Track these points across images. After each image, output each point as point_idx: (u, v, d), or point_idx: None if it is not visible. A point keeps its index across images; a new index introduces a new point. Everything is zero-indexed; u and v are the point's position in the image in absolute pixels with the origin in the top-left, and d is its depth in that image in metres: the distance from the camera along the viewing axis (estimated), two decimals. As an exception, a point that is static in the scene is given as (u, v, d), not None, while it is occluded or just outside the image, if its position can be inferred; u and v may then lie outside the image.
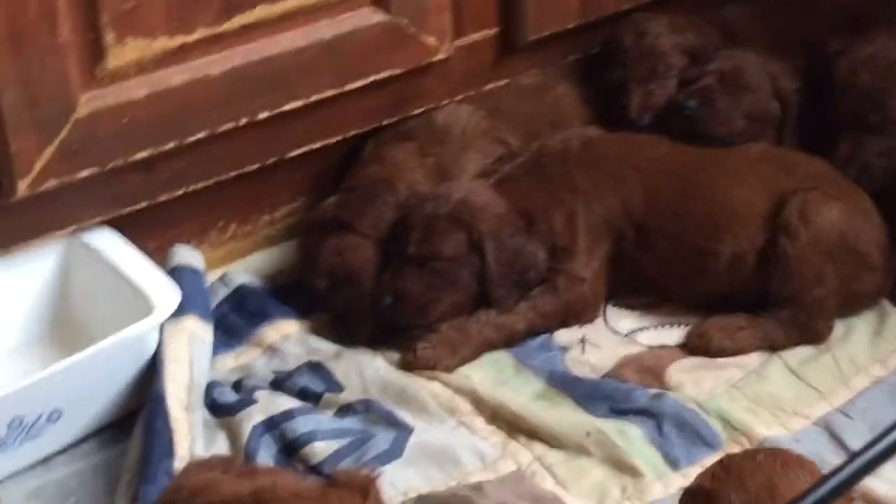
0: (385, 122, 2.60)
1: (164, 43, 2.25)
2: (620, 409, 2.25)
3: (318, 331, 2.46)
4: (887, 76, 2.51)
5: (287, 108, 2.41)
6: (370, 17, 2.44)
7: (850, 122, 2.52)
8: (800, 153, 2.53)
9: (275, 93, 2.39)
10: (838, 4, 2.75)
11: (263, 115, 2.39)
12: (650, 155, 2.47)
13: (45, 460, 2.21)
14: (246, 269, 2.59)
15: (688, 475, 2.14)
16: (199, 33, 2.28)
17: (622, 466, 2.15)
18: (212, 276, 2.54)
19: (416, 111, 2.61)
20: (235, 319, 2.46)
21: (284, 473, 1.88)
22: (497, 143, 2.62)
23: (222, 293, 2.51)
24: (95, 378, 2.19)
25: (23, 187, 2.18)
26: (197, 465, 2.03)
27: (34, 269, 2.37)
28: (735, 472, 1.69)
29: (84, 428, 2.23)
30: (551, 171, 2.47)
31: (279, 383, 2.33)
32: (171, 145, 2.31)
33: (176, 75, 2.27)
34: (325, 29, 2.40)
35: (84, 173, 2.24)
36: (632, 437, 2.19)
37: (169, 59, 2.26)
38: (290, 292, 2.54)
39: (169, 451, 2.12)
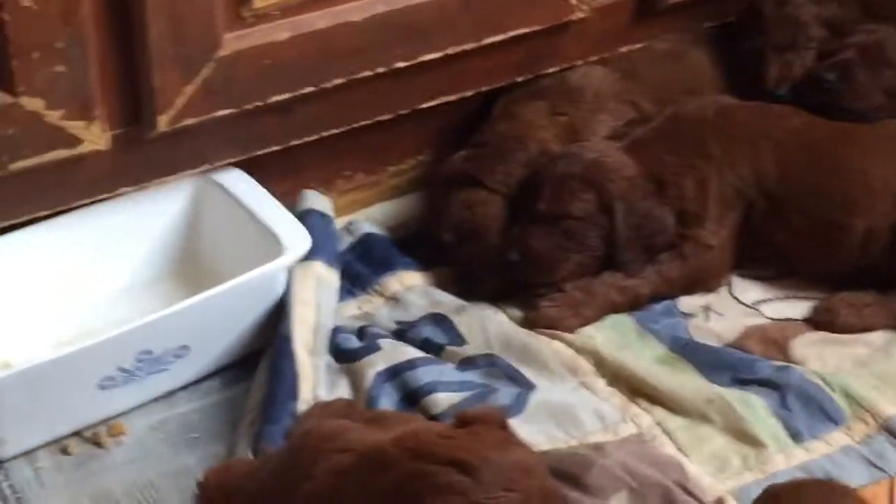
0: (519, 79, 2.59)
1: (311, -14, 2.26)
2: (743, 379, 2.24)
3: (442, 284, 2.46)
4: None
5: (424, 58, 2.41)
6: (513, -29, 2.43)
7: None
8: (938, 132, 2.49)
9: (413, 43, 2.38)
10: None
11: (400, 64, 2.38)
12: (786, 126, 2.45)
13: (170, 395, 2.24)
14: (369, 219, 2.60)
15: (810, 449, 2.14)
16: (344, -22, 2.29)
17: (744, 436, 2.14)
18: (337, 225, 2.55)
19: (550, 70, 2.60)
20: (360, 268, 2.47)
21: (413, 418, 1.89)
22: (629, 106, 2.60)
23: (347, 241, 2.52)
24: (223, 316, 2.20)
25: (162, 123, 2.20)
26: (321, 408, 2.05)
27: (166, 206, 2.38)
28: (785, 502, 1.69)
29: (209, 365, 2.26)
30: (685, 137, 2.45)
31: (402, 333, 2.34)
32: (308, 90, 2.32)
33: (319, 19, 2.27)
34: (467, -19, 2.40)
35: (222, 113, 2.26)
36: (755, 407, 2.17)
37: (313, 3, 2.26)
38: (413, 244, 2.54)
39: (293, 393, 2.14)
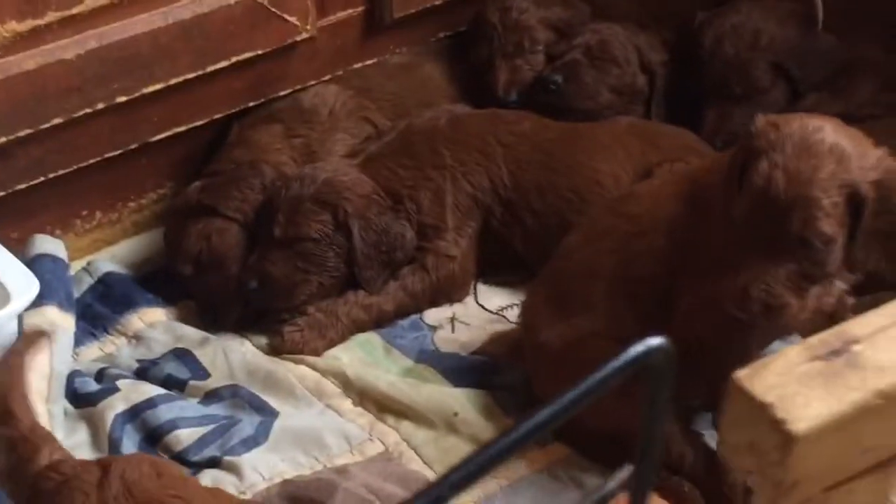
0: (251, 104, 2.56)
1: (14, 27, 2.21)
2: (488, 382, 2.24)
3: (186, 318, 2.43)
4: (751, 46, 2.52)
5: (146, 91, 2.38)
6: (230, -3, 2.40)
7: (716, 92, 2.53)
8: (666, 126, 2.53)
9: (133, 76, 2.35)
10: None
11: (121, 99, 2.35)
12: (516, 131, 2.46)
13: None
14: (113, 258, 2.55)
15: (551, 451, 2.13)
16: (51, 16, 2.24)
17: (490, 444, 2.13)
18: (77, 266, 2.50)
19: (283, 92, 2.58)
20: (101, 308, 2.42)
21: None
22: (365, 122, 2.59)
23: (87, 282, 2.47)
24: (-49, 370, 2.13)
25: None
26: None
27: None
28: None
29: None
30: (419, 150, 2.45)
31: (144, 371, 2.29)
32: (26, 132, 2.27)
33: (28, 60, 2.23)
34: (184, 9, 2.37)
35: (-63, 161, 2.20)
36: (497, 415, 2.17)
37: (21, 44, 2.22)
38: (158, 280, 2.50)
39: (29, 444, 2.08)
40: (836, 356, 1.00)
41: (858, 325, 1.06)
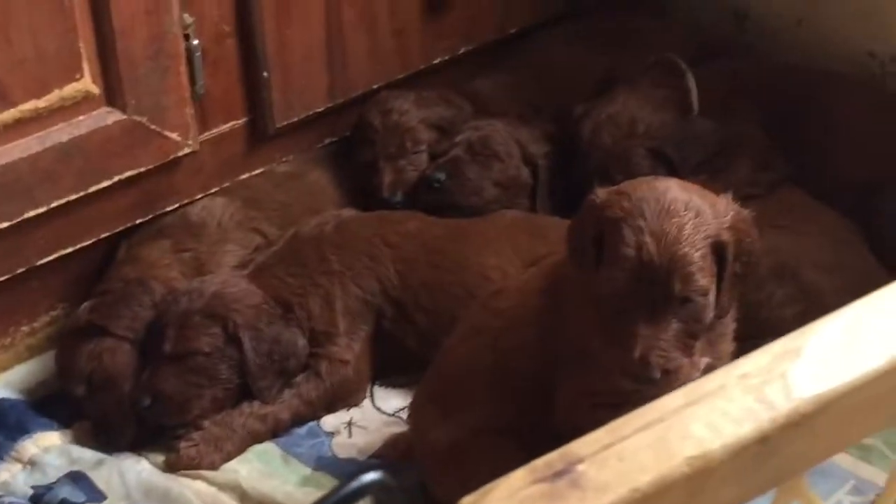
0: (138, 221, 2.56)
1: None
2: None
3: (81, 439, 2.41)
4: (628, 135, 2.55)
5: (29, 215, 2.37)
6: (107, 117, 2.40)
7: (598, 181, 2.53)
8: (551, 217, 2.54)
9: (13, 201, 2.34)
10: (581, 69, 2.78)
11: (3, 225, 2.34)
12: (402, 231, 2.47)
13: None
14: (8, 384, 2.52)
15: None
16: (-74, 148, 2.24)
17: (391, 548, 2.12)
18: (-32, 395, 2.47)
19: (170, 207, 2.58)
20: (-6, 437, 2.40)
21: None
22: (254, 233, 2.60)
23: (-21, 411, 2.45)
24: None
25: None
26: None
27: None
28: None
29: None
30: (306, 257, 2.46)
31: (39, 497, 2.27)
32: None
33: None
34: (61, 132, 2.36)
35: None
36: (397, 518, 2.16)
37: None
38: (54, 403, 2.48)
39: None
40: (560, 477, 1.00)
41: (583, 445, 1.04)
